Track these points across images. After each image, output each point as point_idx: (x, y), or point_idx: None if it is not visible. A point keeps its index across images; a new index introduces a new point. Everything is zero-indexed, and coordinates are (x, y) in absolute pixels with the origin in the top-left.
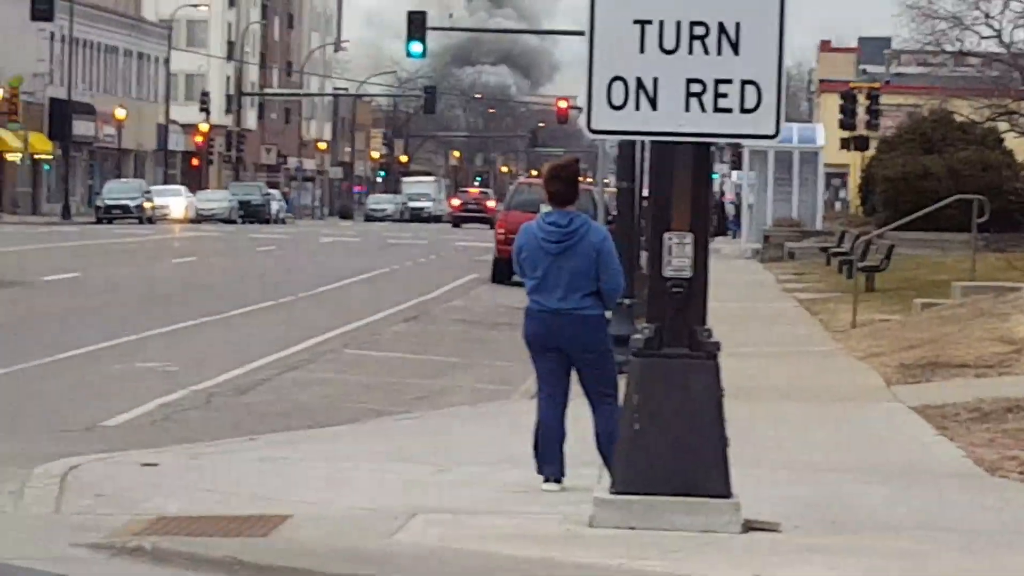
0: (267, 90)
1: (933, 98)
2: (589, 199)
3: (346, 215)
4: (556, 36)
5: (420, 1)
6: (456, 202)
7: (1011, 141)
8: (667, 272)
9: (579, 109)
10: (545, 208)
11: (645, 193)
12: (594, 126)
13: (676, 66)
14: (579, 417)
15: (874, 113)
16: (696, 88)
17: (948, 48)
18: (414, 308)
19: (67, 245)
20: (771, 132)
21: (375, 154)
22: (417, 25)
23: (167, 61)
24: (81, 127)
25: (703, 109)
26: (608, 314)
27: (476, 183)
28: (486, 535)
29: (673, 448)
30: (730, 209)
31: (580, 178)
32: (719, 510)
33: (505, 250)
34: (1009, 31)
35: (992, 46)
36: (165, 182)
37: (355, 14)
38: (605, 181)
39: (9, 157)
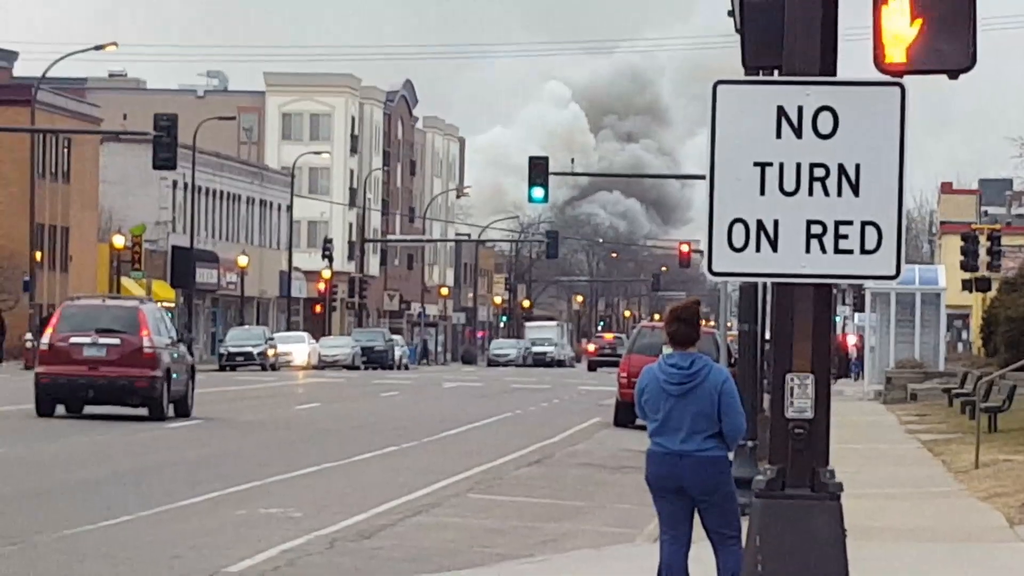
0: (389, 236)
1: None
2: (712, 342)
3: (469, 360)
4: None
5: (543, 139)
6: (591, 347)
7: None
8: (789, 413)
9: (701, 253)
10: (667, 350)
11: (767, 335)
12: (715, 268)
13: (796, 208)
14: (701, 559)
15: (996, 254)
16: (816, 230)
17: None
18: (537, 452)
19: None
20: (892, 273)
21: (497, 299)
22: (539, 170)
23: (290, 208)
24: (204, 274)
25: (823, 251)
26: (730, 456)
27: (599, 328)
28: None
29: None
30: (852, 351)
31: (702, 321)
32: None
33: (628, 393)
34: None
35: None
36: (288, 329)
37: (476, 156)
38: (728, 324)
39: None
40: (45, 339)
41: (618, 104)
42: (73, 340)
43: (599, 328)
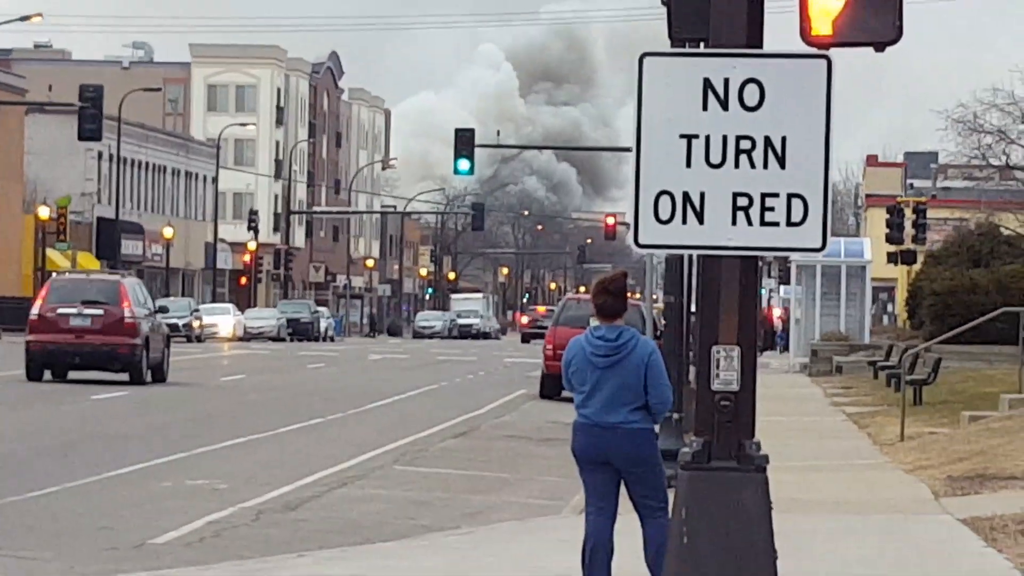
0: (315, 208)
1: (980, 212)
2: (638, 314)
3: (394, 332)
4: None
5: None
6: (525, 319)
7: None
8: (715, 386)
9: (627, 225)
10: (594, 322)
11: (693, 307)
12: (641, 240)
13: (723, 180)
14: (627, 531)
15: (921, 227)
16: (743, 202)
17: (994, 162)
18: (463, 424)
19: None
20: (818, 245)
21: (423, 271)
22: (464, 142)
23: (215, 180)
24: (129, 246)
25: (749, 223)
26: (657, 428)
27: (525, 300)
28: None
29: (722, 562)
30: (778, 324)
31: (628, 293)
32: None
33: (553, 366)
34: None
35: None
36: (214, 300)
37: (404, 124)
38: (653, 296)
39: None
40: (35, 310)
41: (552, 70)
42: (60, 311)
43: (525, 300)
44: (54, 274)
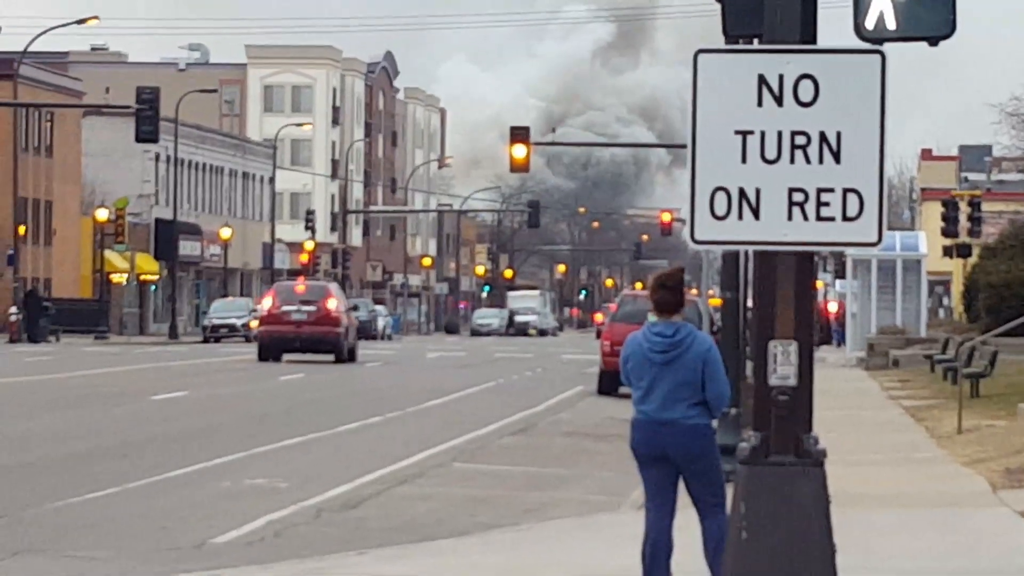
0: (372, 207)
1: None
2: (695, 310)
3: (452, 330)
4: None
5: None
6: (600, 317)
7: None
8: (772, 381)
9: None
10: (652, 318)
11: (749, 303)
12: (697, 237)
13: (778, 176)
14: (687, 528)
15: (976, 220)
16: (798, 197)
17: None
18: (521, 421)
19: (175, 364)
20: (873, 240)
21: (480, 269)
22: (520, 139)
23: (272, 180)
24: (187, 247)
25: (805, 218)
26: (714, 423)
27: (581, 296)
28: None
29: (781, 556)
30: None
31: (686, 288)
32: None
33: (611, 362)
34: None
35: None
36: None
37: (460, 128)
38: (710, 292)
39: (115, 278)
40: (265, 307)
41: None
42: (284, 308)
43: (582, 297)
44: (276, 281)
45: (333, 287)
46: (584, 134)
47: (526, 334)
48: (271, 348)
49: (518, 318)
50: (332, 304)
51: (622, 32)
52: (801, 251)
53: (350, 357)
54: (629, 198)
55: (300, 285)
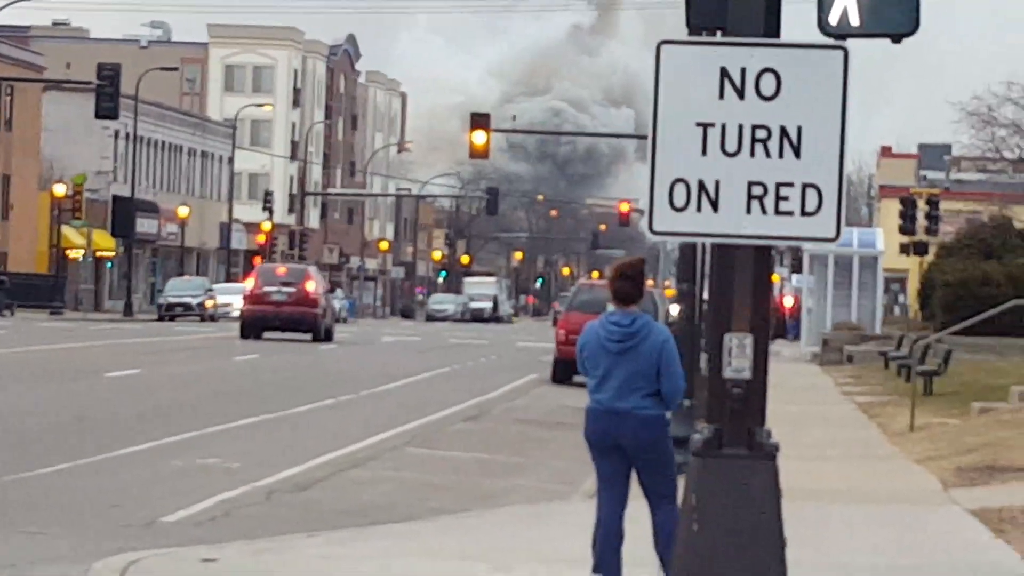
0: (330, 190)
1: (992, 204)
2: (650, 301)
3: (408, 315)
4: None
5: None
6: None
7: None
8: (727, 373)
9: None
10: (610, 307)
11: (706, 295)
12: (656, 227)
13: (738, 169)
14: (638, 518)
15: (933, 219)
16: (757, 191)
17: (1008, 155)
18: (475, 407)
19: (129, 342)
20: (831, 235)
21: (437, 254)
22: (480, 125)
23: (231, 160)
24: (144, 225)
25: (764, 212)
26: (668, 415)
27: (537, 285)
28: None
29: (732, 548)
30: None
31: (646, 279)
32: None
33: (565, 350)
34: None
35: None
36: (227, 280)
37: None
38: (666, 283)
39: (72, 254)
40: (248, 287)
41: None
42: (265, 288)
43: (538, 285)
44: (258, 262)
45: (312, 270)
46: (553, 119)
47: (482, 320)
48: (253, 326)
49: (473, 304)
50: (311, 286)
51: (595, 15)
52: (759, 244)
53: (327, 337)
54: (600, 182)
55: (282, 267)
